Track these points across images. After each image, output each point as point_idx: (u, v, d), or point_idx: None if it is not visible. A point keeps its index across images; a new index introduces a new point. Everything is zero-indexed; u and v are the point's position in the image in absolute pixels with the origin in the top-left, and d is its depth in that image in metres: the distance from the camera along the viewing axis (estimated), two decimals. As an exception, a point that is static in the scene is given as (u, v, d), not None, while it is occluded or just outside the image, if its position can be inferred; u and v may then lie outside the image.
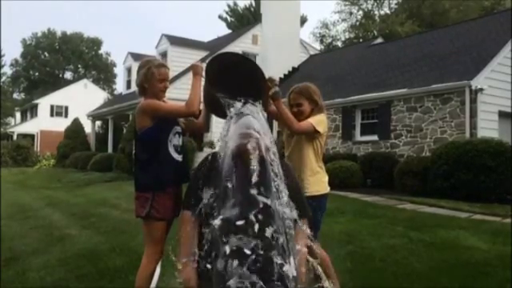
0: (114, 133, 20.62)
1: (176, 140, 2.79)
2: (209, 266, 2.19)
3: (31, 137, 34.34)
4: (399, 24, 28.39)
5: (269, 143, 2.31)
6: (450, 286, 3.67)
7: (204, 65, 2.76)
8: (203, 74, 2.74)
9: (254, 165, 2.21)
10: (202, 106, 2.83)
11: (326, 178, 3.08)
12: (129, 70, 20.71)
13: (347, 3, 34.41)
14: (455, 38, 13.80)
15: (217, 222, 2.16)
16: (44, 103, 37.52)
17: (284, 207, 2.26)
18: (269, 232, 2.14)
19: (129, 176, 13.55)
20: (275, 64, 17.45)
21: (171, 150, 2.75)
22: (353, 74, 15.54)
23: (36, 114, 37.62)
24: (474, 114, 10.80)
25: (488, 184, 8.49)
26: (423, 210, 7.49)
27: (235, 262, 2.06)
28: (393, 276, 3.86)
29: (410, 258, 4.43)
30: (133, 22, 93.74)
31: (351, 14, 34.92)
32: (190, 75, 2.89)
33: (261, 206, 2.16)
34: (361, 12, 34.88)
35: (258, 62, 16.24)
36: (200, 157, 9.93)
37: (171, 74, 3.36)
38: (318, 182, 2.99)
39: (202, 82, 2.76)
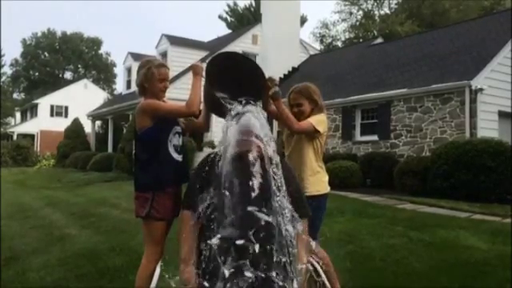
0: (114, 133, 20.62)
1: (176, 140, 2.79)
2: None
3: (31, 137, 34.33)
4: (399, 24, 28.39)
5: (269, 145, 2.29)
6: (449, 285, 3.67)
7: (204, 65, 2.76)
8: (203, 73, 2.74)
9: (255, 175, 2.19)
10: (202, 106, 2.83)
11: (327, 178, 3.08)
12: (129, 70, 20.71)
13: (347, 3, 34.42)
14: (455, 38, 13.80)
15: (215, 241, 2.11)
16: (44, 103, 37.52)
17: (287, 223, 2.22)
18: (269, 251, 2.09)
19: (129, 176, 13.55)
20: (275, 64, 17.45)
21: (171, 150, 2.75)
22: (353, 74, 15.54)
23: (36, 114, 37.62)
24: (473, 114, 10.80)
25: (488, 184, 8.49)
26: (423, 210, 7.49)
27: (235, 285, 2.02)
28: (393, 276, 3.86)
29: (409, 257, 4.43)
30: (133, 22, 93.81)
31: (351, 14, 34.94)
32: (190, 75, 2.89)
33: (262, 223, 2.11)
34: (361, 12, 34.88)
35: (258, 61, 16.23)
36: (200, 157, 9.92)
37: (171, 74, 3.36)
38: (318, 181, 2.99)
39: (202, 82, 2.76)
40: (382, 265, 4.19)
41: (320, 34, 35.67)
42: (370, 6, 34.87)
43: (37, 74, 54.09)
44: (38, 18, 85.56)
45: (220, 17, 36.59)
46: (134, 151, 2.97)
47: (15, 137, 34.76)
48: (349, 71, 16.06)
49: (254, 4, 34.09)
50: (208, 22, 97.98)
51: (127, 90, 20.97)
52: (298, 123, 2.89)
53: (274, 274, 2.06)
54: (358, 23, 34.37)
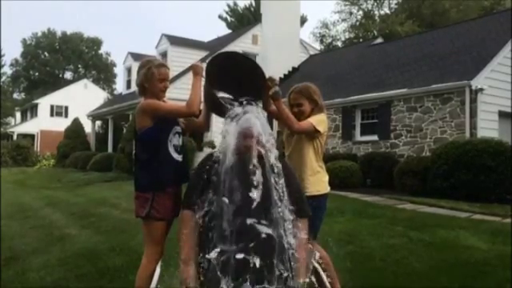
0: (114, 133, 20.62)
1: (176, 140, 2.79)
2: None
3: (31, 137, 34.33)
4: (399, 24, 28.38)
5: (271, 152, 2.28)
6: (449, 285, 3.67)
7: (204, 65, 2.76)
8: (203, 73, 2.74)
9: (256, 186, 2.17)
10: (202, 106, 2.83)
11: (327, 178, 3.08)
12: (129, 70, 20.71)
13: (347, 3, 34.41)
14: (455, 38, 13.80)
15: (213, 255, 2.10)
16: (44, 103, 37.53)
17: (288, 236, 2.20)
18: (269, 265, 2.08)
19: (129, 176, 13.55)
20: (275, 64, 17.44)
21: (171, 150, 2.75)
22: (353, 74, 15.54)
23: (36, 114, 37.62)
24: (474, 114, 10.80)
25: (488, 184, 8.49)
26: (423, 210, 7.49)
27: None
28: (393, 275, 3.86)
29: (409, 257, 4.43)
30: (133, 22, 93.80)
31: (351, 13, 34.94)
32: (190, 75, 2.89)
33: (263, 236, 2.09)
34: (361, 12, 34.88)
35: (258, 61, 16.19)
36: (200, 157, 9.92)
37: (171, 74, 3.36)
38: (318, 181, 2.99)
39: (202, 82, 2.76)
40: (382, 265, 4.19)
41: (320, 34, 35.69)
42: (370, 6, 34.88)
43: (37, 73, 54.09)
44: (38, 17, 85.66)
45: (220, 17, 36.62)
46: (134, 151, 2.97)
47: (15, 137, 34.77)
48: (349, 71, 16.06)
49: (254, 4, 34.09)
50: (208, 22, 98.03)
51: (127, 90, 20.97)
52: (298, 123, 2.89)
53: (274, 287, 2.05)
54: (358, 23, 34.36)
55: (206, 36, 55.29)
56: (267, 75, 2.73)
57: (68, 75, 56.56)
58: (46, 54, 54.46)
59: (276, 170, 2.29)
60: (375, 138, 12.89)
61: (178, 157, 2.77)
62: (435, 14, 29.43)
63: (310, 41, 30.36)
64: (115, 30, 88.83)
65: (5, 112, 41.26)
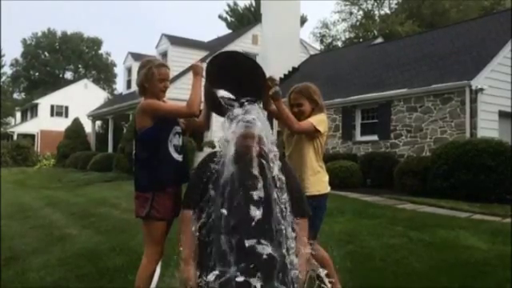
0: (114, 133, 20.63)
1: (176, 140, 2.79)
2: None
3: (31, 137, 34.35)
4: (399, 24, 28.38)
5: (273, 163, 2.26)
6: (449, 285, 3.67)
7: (204, 65, 2.76)
8: (203, 73, 2.74)
9: (257, 206, 2.16)
10: (202, 106, 2.83)
11: (327, 178, 3.08)
12: (129, 70, 20.72)
13: (347, 3, 34.42)
14: (455, 38, 13.80)
15: (211, 278, 2.07)
16: (44, 103, 37.53)
17: (291, 255, 2.18)
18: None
19: (129, 176, 13.55)
20: (275, 64, 17.44)
21: (171, 150, 2.74)
22: (353, 74, 15.54)
23: (36, 114, 37.63)
24: (474, 114, 10.80)
25: (488, 184, 8.49)
26: (423, 210, 7.49)
27: None
28: (393, 275, 3.86)
29: (409, 257, 4.43)
30: (133, 22, 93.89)
31: (351, 13, 34.95)
32: (190, 75, 2.89)
33: (264, 257, 2.06)
34: (361, 12, 34.89)
35: (258, 61, 16.19)
36: (200, 157, 9.93)
37: (171, 74, 3.36)
38: (318, 181, 2.99)
39: (203, 82, 2.76)
40: (382, 265, 4.19)
41: (320, 33, 35.70)
42: (370, 6, 34.88)
43: (37, 73, 54.11)
44: (38, 17, 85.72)
45: (220, 17, 36.61)
46: (134, 151, 2.97)
47: (15, 137, 34.78)
48: (349, 71, 16.06)
49: (254, 4, 34.09)
50: (208, 22, 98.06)
51: (127, 90, 20.98)
52: (298, 123, 2.89)
53: None
54: (358, 23, 34.37)
55: (206, 36, 55.33)
56: (267, 75, 2.73)
57: (68, 75, 56.59)
58: (46, 53, 54.48)
59: (278, 184, 2.26)
60: (375, 138, 12.89)
61: (178, 157, 2.77)
62: (435, 14, 29.43)
63: (310, 41, 30.40)
64: (115, 29, 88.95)
65: (5, 112, 41.28)
